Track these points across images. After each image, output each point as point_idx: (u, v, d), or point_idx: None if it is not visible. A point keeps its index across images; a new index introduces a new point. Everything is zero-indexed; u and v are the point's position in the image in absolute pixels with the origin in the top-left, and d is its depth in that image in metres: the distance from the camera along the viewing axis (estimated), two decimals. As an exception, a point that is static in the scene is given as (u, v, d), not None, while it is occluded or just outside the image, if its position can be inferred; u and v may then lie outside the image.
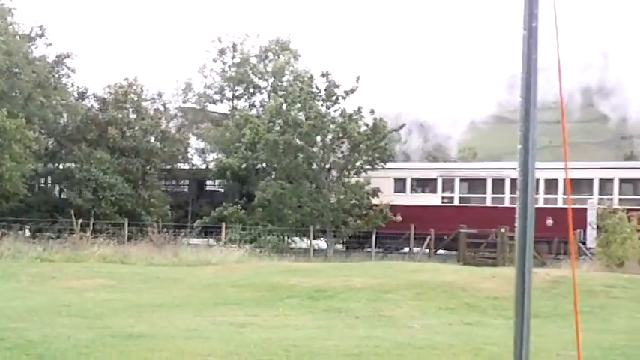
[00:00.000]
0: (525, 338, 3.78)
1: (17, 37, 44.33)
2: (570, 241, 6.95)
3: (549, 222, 38.81)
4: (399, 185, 45.96)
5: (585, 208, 38.05)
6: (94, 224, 37.93)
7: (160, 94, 51.45)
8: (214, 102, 56.54)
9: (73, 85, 48.83)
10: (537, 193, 40.79)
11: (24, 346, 11.65)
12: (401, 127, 50.71)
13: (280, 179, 44.58)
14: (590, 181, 41.54)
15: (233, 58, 55.20)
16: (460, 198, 44.93)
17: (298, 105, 44.49)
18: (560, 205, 40.58)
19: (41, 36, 47.13)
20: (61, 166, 48.08)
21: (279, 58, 54.87)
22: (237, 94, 55.29)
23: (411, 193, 45.78)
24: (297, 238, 44.08)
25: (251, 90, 54.87)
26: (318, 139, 44.49)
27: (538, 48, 3.88)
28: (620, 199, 39.99)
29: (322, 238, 44.46)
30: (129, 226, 40.14)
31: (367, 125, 44.18)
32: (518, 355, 3.75)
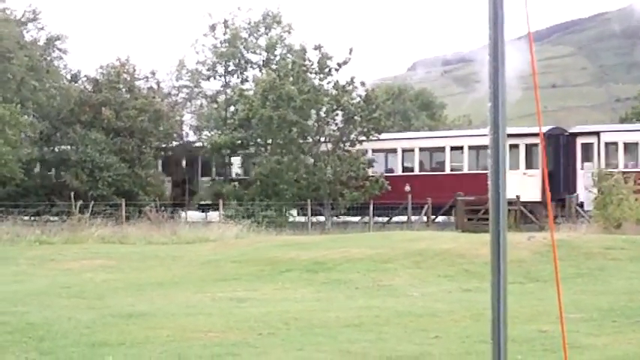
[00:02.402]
0: (503, 298, 3.80)
1: (8, 22, 44.20)
2: (549, 207, 6.97)
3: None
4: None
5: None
6: (92, 205, 37.90)
7: (152, 73, 51.35)
8: (207, 78, 56.31)
9: (65, 67, 48.85)
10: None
11: (25, 329, 11.70)
12: (393, 94, 50.58)
13: (275, 154, 44.47)
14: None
15: (224, 33, 54.88)
16: None
17: (291, 79, 44.32)
18: None
19: (33, 20, 47.01)
20: (56, 149, 47.99)
21: (270, 31, 54.59)
22: (229, 69, 55.02)
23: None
24: (294, 212, 43.99)
25: (243, 65, 54.60)
26: (313, 112, 44.40)
27: (504, 5, 3.85)
28: None
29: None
30: (126, 206, 40.09)
31: (360, 96, 44.15)
32: (497, 316, 3.77)
